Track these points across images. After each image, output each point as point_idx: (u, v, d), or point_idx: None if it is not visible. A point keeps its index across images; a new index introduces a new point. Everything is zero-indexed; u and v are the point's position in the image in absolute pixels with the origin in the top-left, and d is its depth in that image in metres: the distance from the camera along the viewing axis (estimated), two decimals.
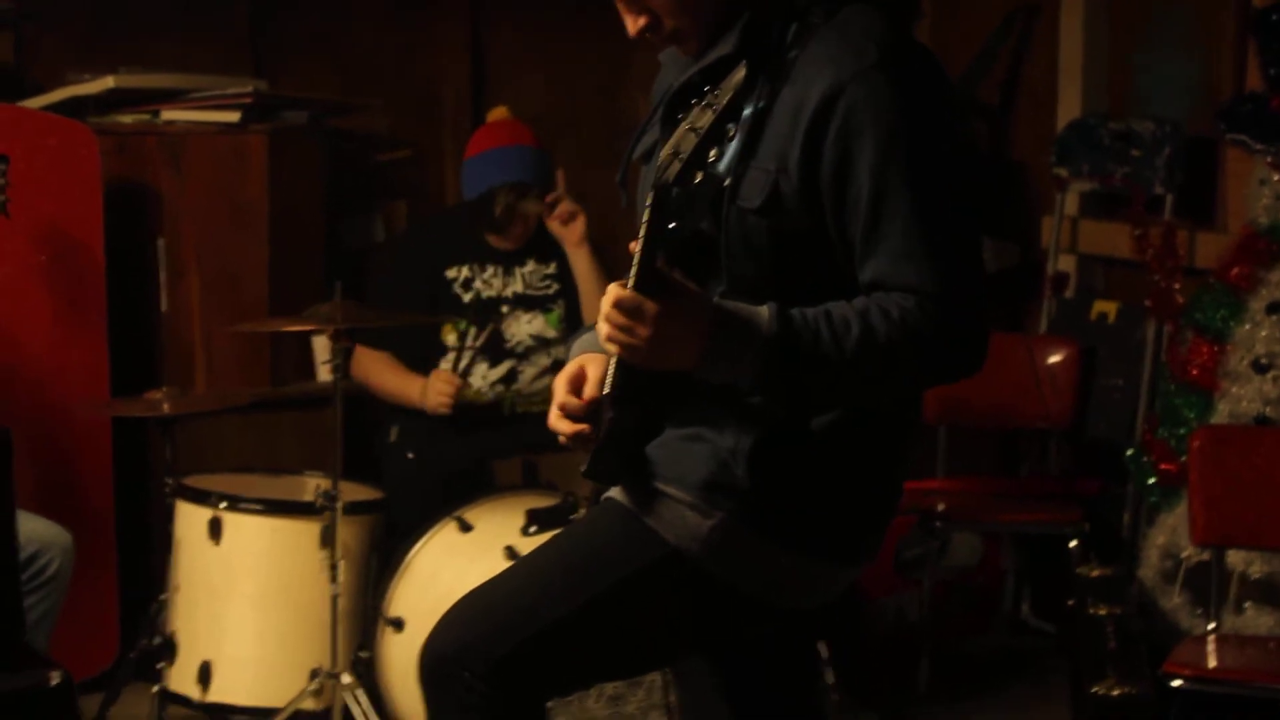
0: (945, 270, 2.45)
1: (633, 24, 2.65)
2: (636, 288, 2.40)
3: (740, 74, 2.37)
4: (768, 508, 2.58)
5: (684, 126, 2.37)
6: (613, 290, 2.42)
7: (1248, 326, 4.67)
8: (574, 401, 2.67)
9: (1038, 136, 5.92)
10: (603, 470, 2.64)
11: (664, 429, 2.63)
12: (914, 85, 2.50)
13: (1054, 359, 5.45)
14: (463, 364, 4.92)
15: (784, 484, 2.58)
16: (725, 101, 2.36)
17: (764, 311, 2.44)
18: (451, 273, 4.97)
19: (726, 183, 2.51)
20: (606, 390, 2.59)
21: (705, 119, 2.36)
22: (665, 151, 2.38)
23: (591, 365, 2.70)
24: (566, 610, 2.61)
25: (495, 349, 4.96)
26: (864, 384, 2.49)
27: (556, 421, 2.69)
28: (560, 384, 2.71)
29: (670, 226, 2.46)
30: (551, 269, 5.06)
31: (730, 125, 2.36)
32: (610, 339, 2.44)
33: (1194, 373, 4.75)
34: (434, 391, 4.82)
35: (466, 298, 4.96)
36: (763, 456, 2.56)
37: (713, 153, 2.36)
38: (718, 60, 2.57)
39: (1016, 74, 6.12)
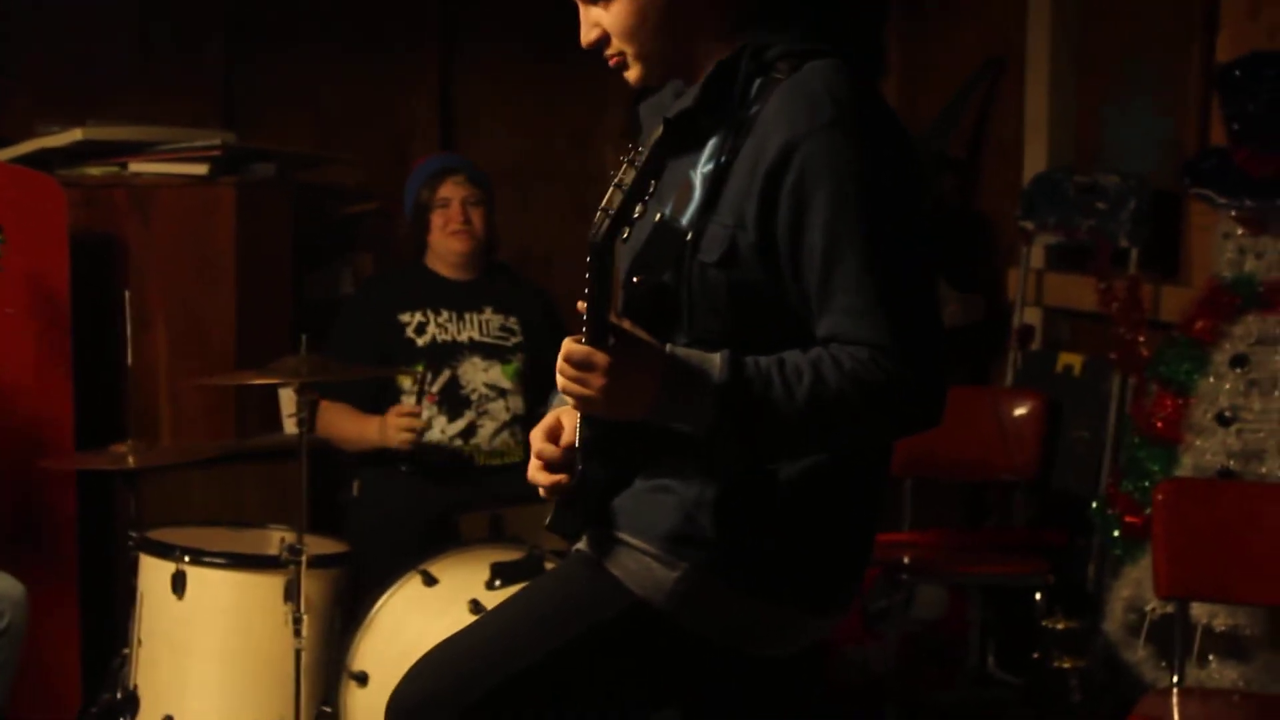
0: (898, 325, 2.45)
1: (586, 34, 2.69)
2: (588, 341, 2.43)
3: (659, 131, 2.39)
4: (733, 558, 2.58)
5: (612, 184, 2.39)
6: (566, 344, 2.45)
7: (1211, 379, 4.70)
8: (551, 449, 2.68)
9: (1004, 189, 5.96)
10: (567, 524, 2.66)
11: (632, 481, 2.64)
12: (870, 142, 2.51)
13: (1019, 411, 5.46)
14: (422, 413, 4.93)
15: (749, 534, 2.58)
16: (645, 158, 2.38)
17: (716, 359, 2.45)
18: (405, 317, 5.00)
19: (688, 237, 2.53)
20: (578, 443, 2.61)
21: (629, 176, 2.38)
22: (600, 208, 2.41)
23: (567, 416, 2.71)
24: (532, 661, 2.62)
25: (452, 397, 4.96)
26: (814, 434, 2.49)
27: (535, 473, 2.70)
28: (537, 435, 2.71)
29: (634, 280, 2.50)
30: (512, 322, 5.07)
31: (651, 182, 2.38)
32: (565, 390, 2.47)
33: (1158, 425, 4.77)
34: (393, 428, 4.82)
35: (421, 341, 4.98)
36: (728, 507, 2.57)
37: (638, 209, 2.38)
38: (680, 114, 2.58)
39: (983, 127, 6.15)
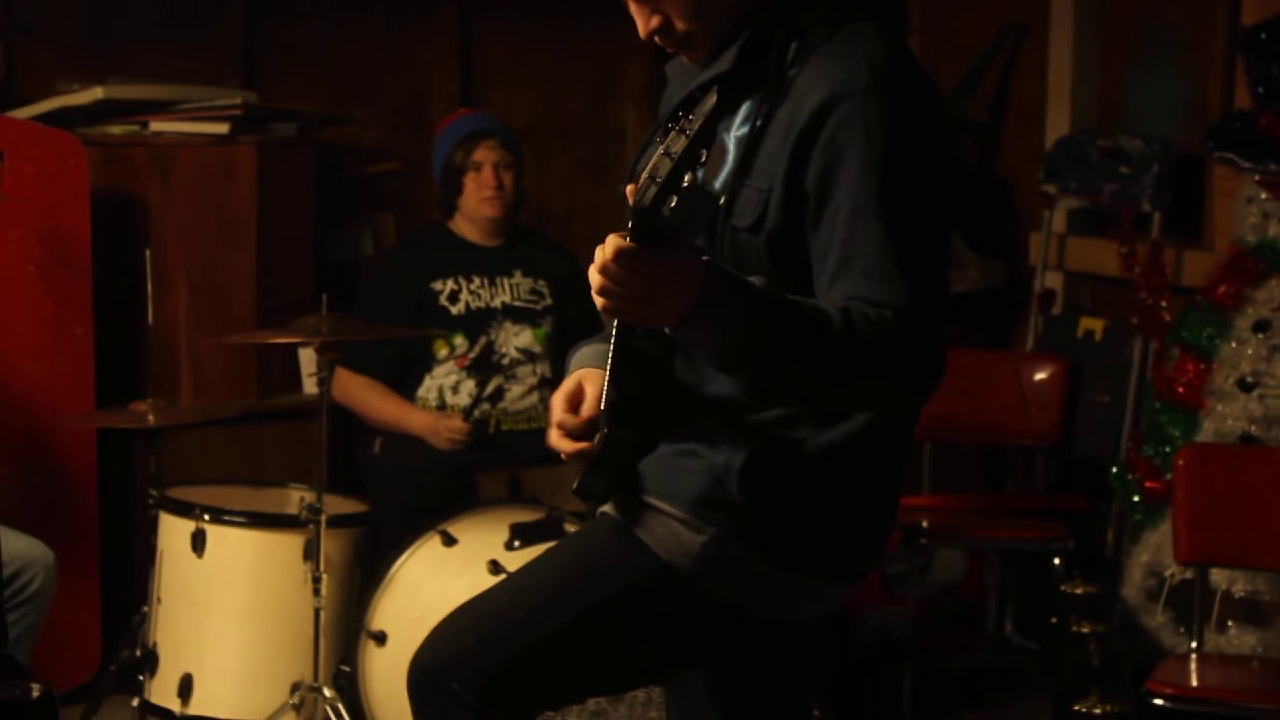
0: (915, 292, 2.44)
1: (645, 24, 2.65)
2: (634, 238, 2.35)
3: (712, 100, 2.37)
4: (760, 524, 2.58)
5: (659, 150, 2.36)
6: (612, 240, 2.35)
7: (1234, 345, 4.68)
8: (572, 419, 2.66)
9: (1026, 153, 5.93)
10: (595, 488, 2.64)
11: (659, 445, 2.63)
12: (904, 109, 2.50)
13: (1040, 376, 5.44)
14: (451, 380, 4.92)
15: (777, 500, 2.57)
16: (698, 127, 2.35)
17: (756, 280, 2.43)
18: (437, 285, 4.98)
19: (722, 200, 2.52)
20: (604, 406, 2.59)
21: (679, 144, 2.34)
22: (643, 174, 2.37)
23: (589, 382, 2.70)
24: (557, 624, 2.62)
25: (484, 363, 4.96)
26: (833, 379, 2.45)
27: (557, 440, 2.68)
28: (558, 401, 2.70)
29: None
30: (541, 285, 5.07)
31: (703, 151, 2.35)
32: (602, 291, 2.37)
33: (1180, 391, 4.75)
34: (443, 433, 4.81)
35: (455, 310, 4.97)
36: (756, 473, 2.56)
37: (687, 178, 2.35)
38: (716, 77, 2.57)
39: (1006, 91, 6.12)
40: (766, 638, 2.70)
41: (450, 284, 4.99)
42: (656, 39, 2.66)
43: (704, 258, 2.41)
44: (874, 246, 2.45)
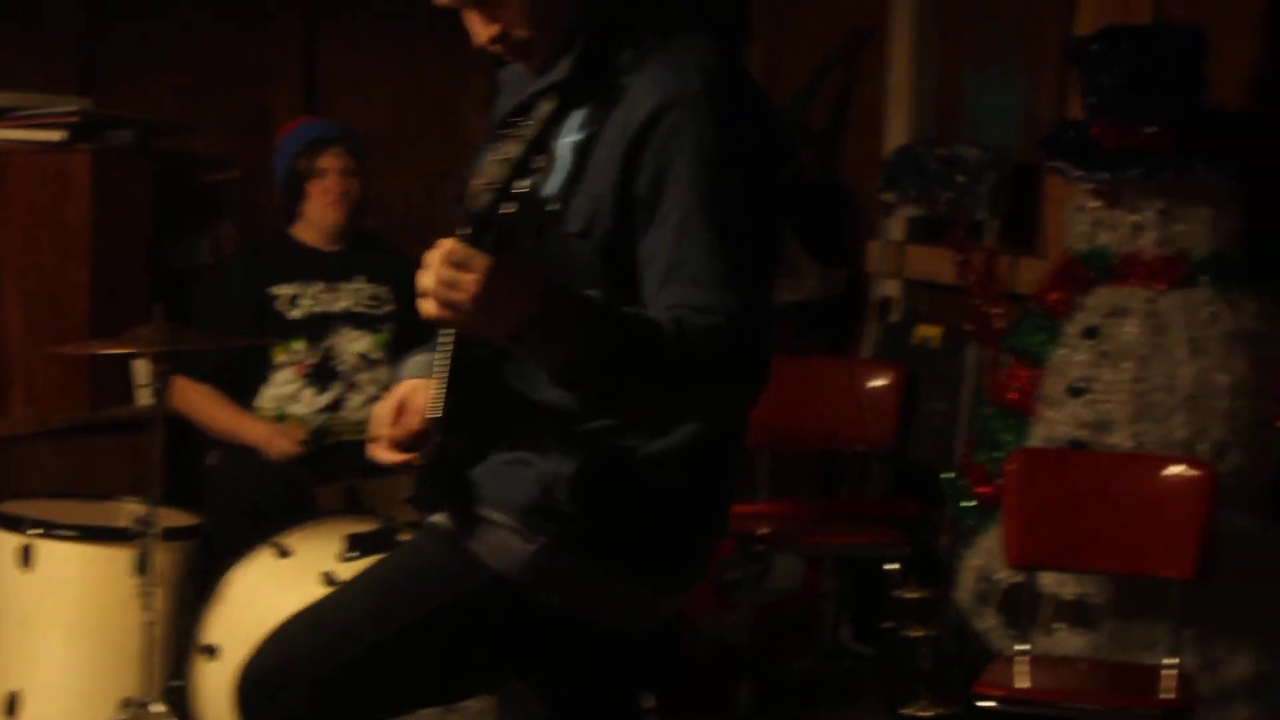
0: (742, 299, 2.46)
1: (481, 32, 2.65)
2: (468, 243, 2.31)
3: (548, 106, 2.37)
4: (590, 532, 2.58)
5: (494, 157, 2.35)
6: (444, 243, 2.31)
7: (1064, 351, 4.73)
8: (397, 431, 2.66)
9: (866, 161, 5.99)
10: (427, 498, 2.64)
11: (490, 454, 2.62)
12: (734, 117, 2.53)
13: (877, 383, 5.50)
14: (290, 389, 4.89)
15: (606, 509, 2.58)
16: (533, 133, 2.35)
17: (590, 291, 2.45)
18: (277, 290, 4.95)
19: (553, 208, 2.52)
20: (434, 415, 2.57)
21: (513, 150, 2.34)
22: (477, 181, 2.37)
23: (415, 393, 2.69)
24: (386, 633, 2.61)
25: (323, 370, 4.94)
26: (666, 388, 2.46)
27: (380, 452, 2.67)
28: (383, 413, 2.69)
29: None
30: (383, 291, 5.05)
31: (538, 157, 2.35)
32: (435, 295, 2.32)
33: (1011, 397, 4.80)
34: (279, 443, 4.78)
35: (294, 314, 4.94)
36: (585, 481, 2.56)
37: (522, 185, 2.34)
38: (551, 85, 2.57)
39: (846, 99, 6.18)
40: (599, 646, 2.71)
41: (291, 289, 4.97)
42: (492, 47, 2.66)
43: (541, 271, 2.39)
44: (702, 254, 2.46)
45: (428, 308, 2.35)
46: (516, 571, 2.59)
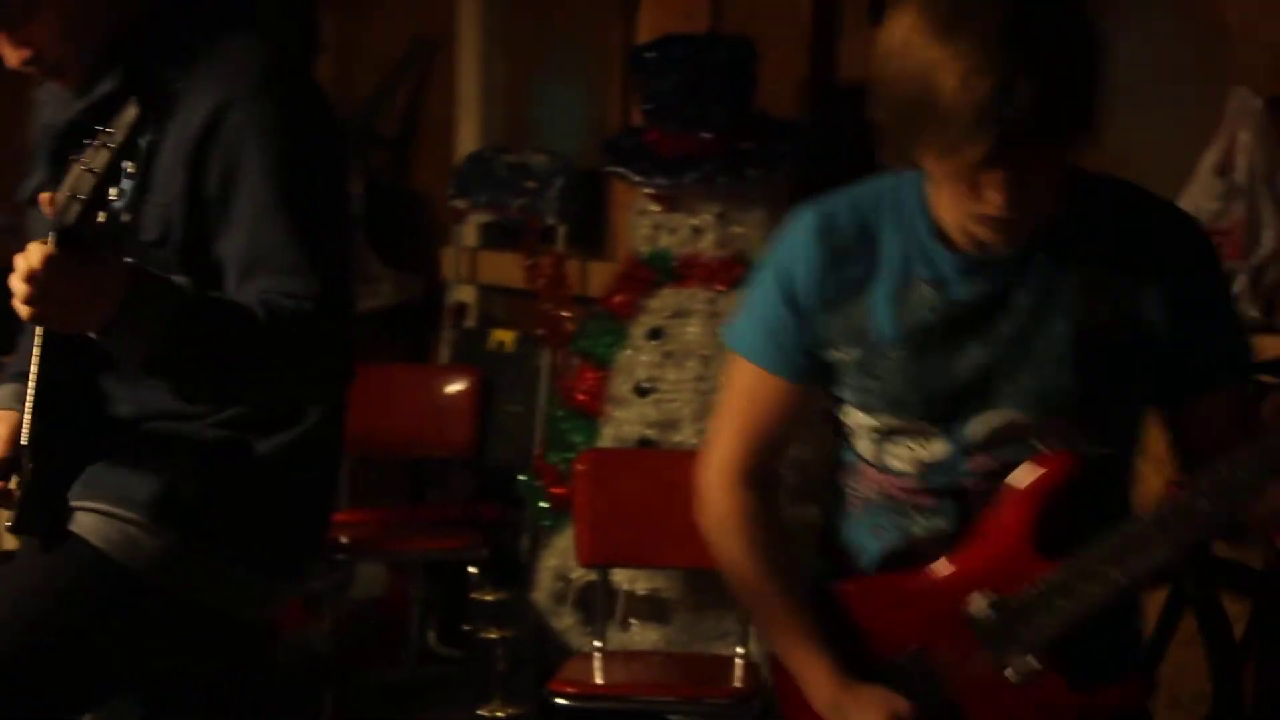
0: (325, 284, 2.50)
1: (14, 56, 2.61)
2: (58, 244, 2.29)
3: (133, 112, 2.35)
4: (214, 524, 2.61)
5: (79, 167, 2.33)
6: (35, 247, 2.29)
7: (629, 352, 4.83)
8: None
9: (437, 168, 6.04)
10: (32, 521, 2.61)
11: (84, 468, 2.62)
12: (295, 109, 2.57)
13: (454, 388, 5.53)
14: None
15: (227, 501, 2.62)
16: (121, 140, 2.33)
17: (177, 279, 2.44)
18: None
19: (125, 219, 2.50)
20: (24, 441, 2.56)
21: (101, 158, 2.32)
22: (62, 193, 2.34)
23: (1, 423, 2.67)
24: (14, 644, 2.55)
25: None
26: (260, 371, 2.49)
27: None
28: None
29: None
30: None
31: (129, 163, 2.34)
32: (26, 299, 2.30)
33: (580, 398, 4.89)
34: None
35: None
36: (207, 475, 2.60)
37: (114, 192, 2.34)
38: (103, 97, 2.57)
39: (417, 107, 6.22)
40: (226, 637, 2.71)
41: None
42: (26, 69, 2.63)
43: (128, 261, 2.39)
44: (281, 243, 2.50)
45: (22, 311, 2.34)
46: (144, 564, 2.59)
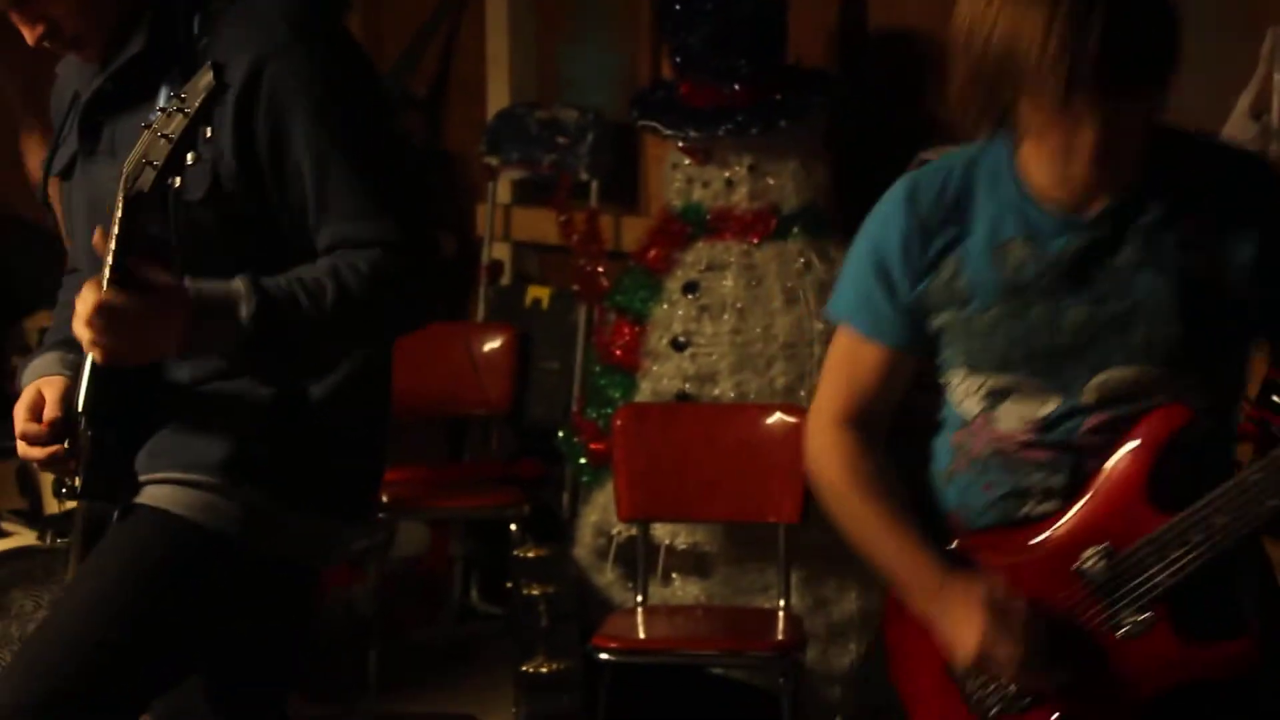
0: (399, 221, 2.52)
1: (31, 33, 2.62)
2: (112, 287, 2.38)
3: (208, 76, 2.37)
4: (285, 476, 2.63)
5: (152, 133, 2.36)
6: (89, 294, 2.38)
7: (665, 306, 4.83)
8: (36, 428, 2.66)
9: (469, 126, 6.03)
10: (100, 486, 2.63)
11: (149, 433, 2.63)
12: (331, 53, 2.57)
13: (491, 346, 5.55)
14: None
15: (294, 450, 2.63)
16: (197, 105, 2.36)
17: (240, 286, 2.46)
18: None
19: (171, 180, 2.51)
20: (80, 408, 2.58)
21: (176, 124, 2.36)
22: (133, 159, 2.37)
23: (48, 388, 2.69)
24: (140, 626, 2.56)
25: None
26: (349, 336, 2.57)
27: (25, 450, 2.67)
28: (20, 412, 2.68)
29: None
30: None
31: (206, 128, 2.36)
32: (92, 343, 2.41)
33: (617, 353, 4.90)
34: None
35: None
36: (273, 430, 2.61)
37: (190, 156, 2.37)
38: (129, 61, 2.58)
39: (447, 66, 6.21)
40: (308, 586, 2.76)
41: None
42: (46, 45, 2.64)
43: (186, 282, 2.44)
44: (345, 189, 2.51)
45: (94, 355, 2.43)
46: (227, 527, 2.60)
